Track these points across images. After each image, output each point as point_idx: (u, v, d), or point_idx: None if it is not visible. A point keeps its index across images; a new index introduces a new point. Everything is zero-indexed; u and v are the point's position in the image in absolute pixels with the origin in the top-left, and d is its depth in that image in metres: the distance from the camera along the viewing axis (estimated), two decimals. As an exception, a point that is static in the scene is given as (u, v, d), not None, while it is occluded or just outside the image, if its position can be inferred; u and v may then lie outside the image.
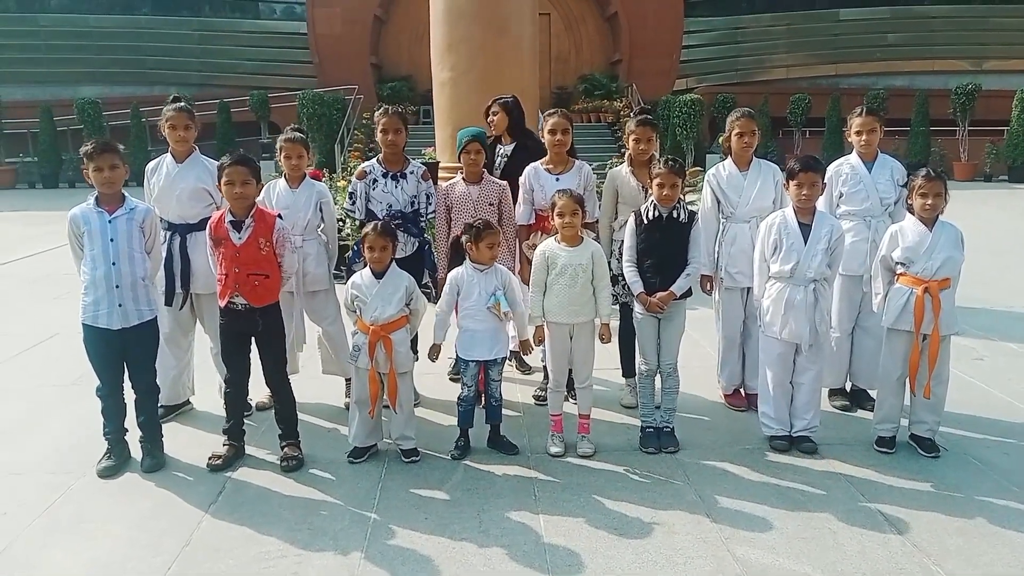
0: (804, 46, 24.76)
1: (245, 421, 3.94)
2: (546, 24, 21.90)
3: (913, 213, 3.67)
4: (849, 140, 4.41)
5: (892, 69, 24.36)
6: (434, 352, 3.83)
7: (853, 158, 4.34)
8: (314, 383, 4.69)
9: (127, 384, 3.75)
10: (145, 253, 3.67)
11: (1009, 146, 18.40)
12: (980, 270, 8.01)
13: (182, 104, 4.15)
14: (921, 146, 19.55)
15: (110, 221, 3.56)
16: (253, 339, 3.77)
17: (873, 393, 4.17)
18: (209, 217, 3.82)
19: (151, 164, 4.23)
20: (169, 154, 4.17)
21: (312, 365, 4.81)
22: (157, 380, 3.83)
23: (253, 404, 4.32)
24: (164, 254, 3.98)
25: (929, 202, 3.58)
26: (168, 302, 4.08)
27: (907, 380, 3.71)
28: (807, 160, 3.71)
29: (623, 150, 5.43)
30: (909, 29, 24.60)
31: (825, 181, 3.93)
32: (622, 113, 21.04)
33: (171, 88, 21.17)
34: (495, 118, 4.95)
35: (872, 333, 4.25)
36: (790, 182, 3.71)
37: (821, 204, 4.23)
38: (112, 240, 3.55)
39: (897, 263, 3.68)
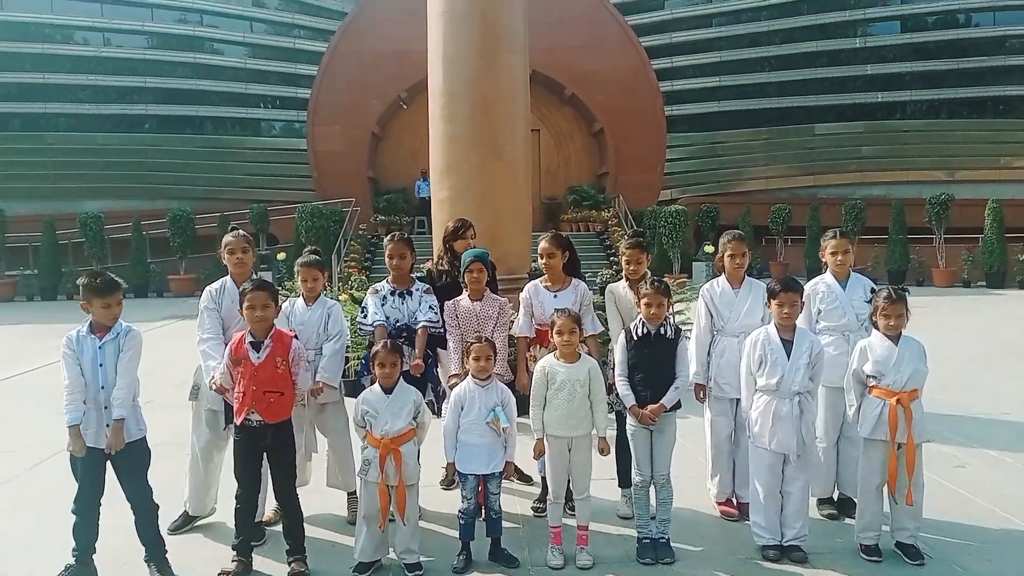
0: (781, 158, 25.96)
1: (254, 547, 4.06)
2: (536, 139, 22.97)
3: (878, 329, 3.96)
4: (824, 260, 4.75)
5: (868, 180, 25.49)
6: (451, 470, 4.05)
7: (828, 277, 4.68)
8: (317, 496, 4.81)
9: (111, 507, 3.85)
10: (128, 372, 3.77)
11: (984, 253, 19.06)
12: (961, 377, 8.29)
13: (241, 232, 4.52)
14: (900, 254, 20.21)
15: (100, 347, 3.77)
16: (265, 455, 3.95)
17: (859, 501, 4.34)
18: None
19: (215, 287, 4.47)
20: (229, 278, 4.45)
21: (314, 479, 4.94)
22: (186, 489, 3.95)
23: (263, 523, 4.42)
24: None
25: (892, 322, 3.89)
26: (229, 420, 4.23)
27: (886, 488, 3.90)
28: (787, 281, 4.03)
29: (613, 261, 5.77)
30: (882, 142, 25.89)
31: (803, 300, 4.24)
32: (610, 223, 21.81)
33: (173, 202, 21.99)
34: (473, 241, 5.39)
35: (856, 443, 4.43)
36: (772, 301, 4.02)
37: (802, 320, 4.54)
38: (101, 365, 3.75)
39: (868, 376, 3.94)
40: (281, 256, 18.45)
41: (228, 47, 25.22)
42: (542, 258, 4.74)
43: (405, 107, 23.06)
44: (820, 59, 26.58)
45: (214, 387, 4.05)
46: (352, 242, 19.80)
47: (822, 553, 4.03)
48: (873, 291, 4.17)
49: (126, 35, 24.64)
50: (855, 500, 4.51)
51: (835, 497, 4.67)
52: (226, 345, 4.08)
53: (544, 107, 22.89)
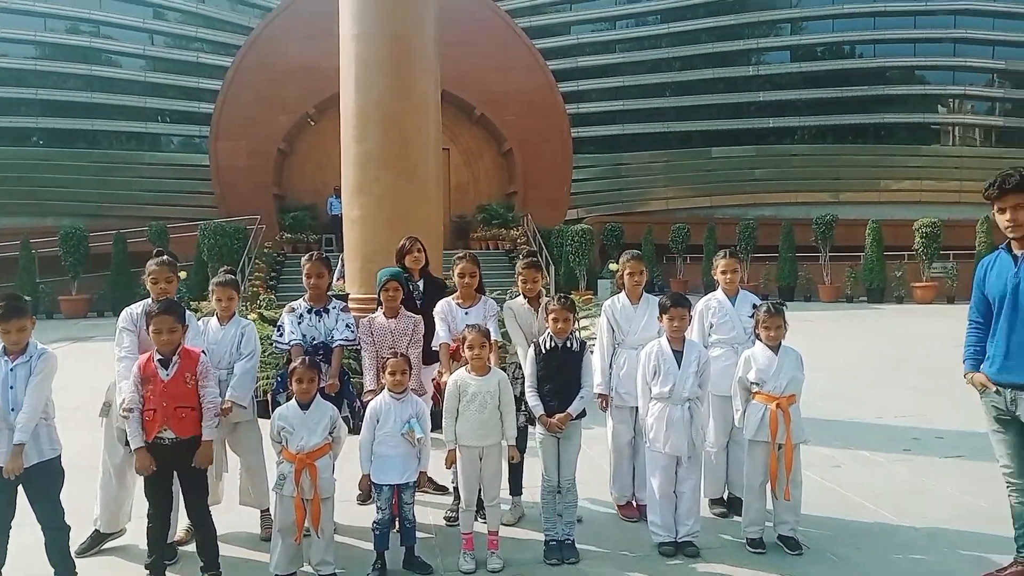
0: (681, 180, 27.12)
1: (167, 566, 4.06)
2: (446, 158, 23.16)
3: (760, 340, 4.37)
4: (715, 278, 5.16)
5: (760, 201, 26.92)
6: (366, 482, 4.18)
7: (719, 294, 5.08)
8: (230, 515, 4.83)
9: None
10: (36, 394, 3.73)
11: (865, 270, 20.45)
12: (841, 386, 8.96)
13: (165, 258, 4.47)
14: (789, 271, 21.44)
15: (11, 369, 3.73)
16: (176, 473, 3.98)
17: (748, 499, 4.72)
18: None
19: (136, 309, 4.38)
20: (151, 300, 4.37)
21: (226, 498, 4.95)
22: (97, 506, 3.92)
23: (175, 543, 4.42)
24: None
25: (771, 333, 4.31)
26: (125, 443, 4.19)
27: (769, 486, 4.29)
28: (676, 297, 4.39)
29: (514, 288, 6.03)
30: (773, 165, 27.42)
31: (692, 314, 4.61)
32: (519, 241, 22.21)
33: (64, 219, 21.01)
34: (419, 255, 5.55)
35: (744, 446, 4.82)
36: (663, 316, 4.36)
37: (695, 334, 4.92)
38: (11, 387, 3.71)
39: (752, 383, 4.34)
40: (182, 275, 17.92)
41: (126, 59, 24.40)
42: (463, 277, 4.97)
43: (313, 123, 22.88)
44: (717, 86, 28.00)
45: (121, 411, 4.03)
46: (257, 260, 19.42)
47: (712, 547, 4.37)
48: (755, 306, 4.57)
49: (15, 45, 23.49)
50: (743, 499, 4.92)
51: (725, 497, 5.05)
52: None
53: (454, 126, 23.17)
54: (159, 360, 3.88)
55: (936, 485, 5.46)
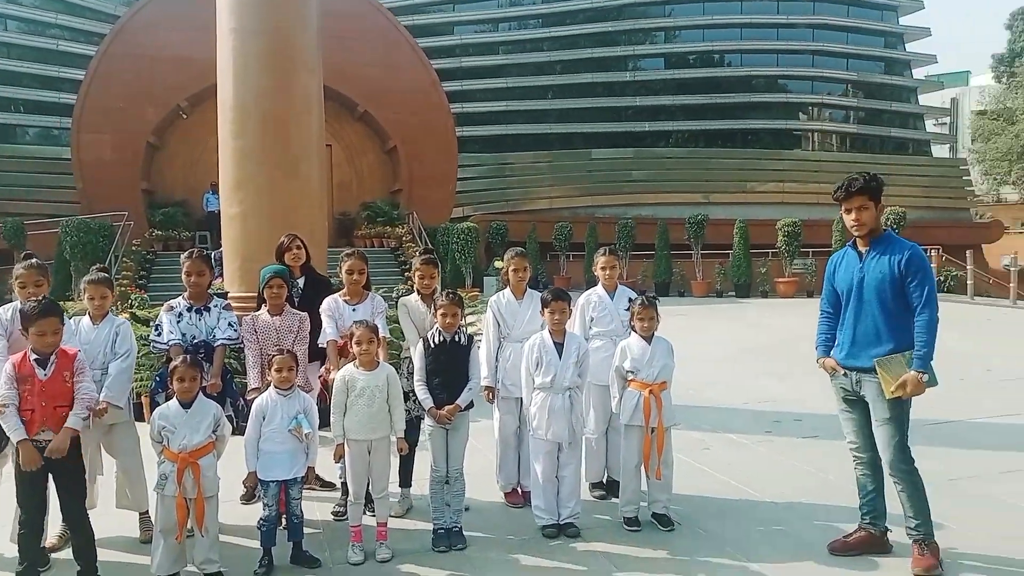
0: (563, 180, 27.82)
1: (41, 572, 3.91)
2: (329, 154, 22.76)
3: (636, 331, 4.65)
4: (596, 273, 5.42)
5: (638, 201, 27.99)
6: (253, 479, 4.15)
7: (599, 289, 5.34)
8: (106, 519, 4.66)
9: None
10: None
11: (733, 267, 21.67)
12: (711, 374, 9.53)
13: (35, 261, 4.31)
14: (665, 268, 22.41)
15: None
16: (50, 476, 3.83)
17: (625, 482, 5.00)
18: None
19: (6, 314, 4.22)
20: (19, 302, 4.18)
21: (102, 502, 4.77)
22: None
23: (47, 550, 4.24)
24: None
25: (645, 324, 4.60)
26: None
27: (643, 467, 4.58)
28: (557, 291, 4.60)
29: (407, 276, 6.12)
30: (649, 167, 28.57)
31: (573, 308, 4.84)
32: (404, 239, 22.14)
33: (-96, 213, 19.17)
34: (299, 252, 5.52)
35: (621, 432, 5.12)
36: (545, 310, 4.57)
37: (576, 327, 5.16)
38: None
39: (627, 371, 4.61)
40: (43, 274, 16.84)
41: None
42: (351, 274, 4.99)
43: (185, 116, 21.92)
44: (597, 89, 28.87)
45: None
46: (125, 259, 18.42)
47: (592, 528, 4.63)
48: (631, 300, 4.86)
49: None
50: (620, 481, 5.20)
51: (604, 480, 5.33)
52: None
53: (336, 122, 22.78)
54: (36, 360, 3.74)
55: (793, 463, 5.95)
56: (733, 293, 21.84)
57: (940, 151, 38.63)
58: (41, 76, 22.68)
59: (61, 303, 4.33)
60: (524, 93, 27.77)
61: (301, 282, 5.58)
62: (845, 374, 4.10)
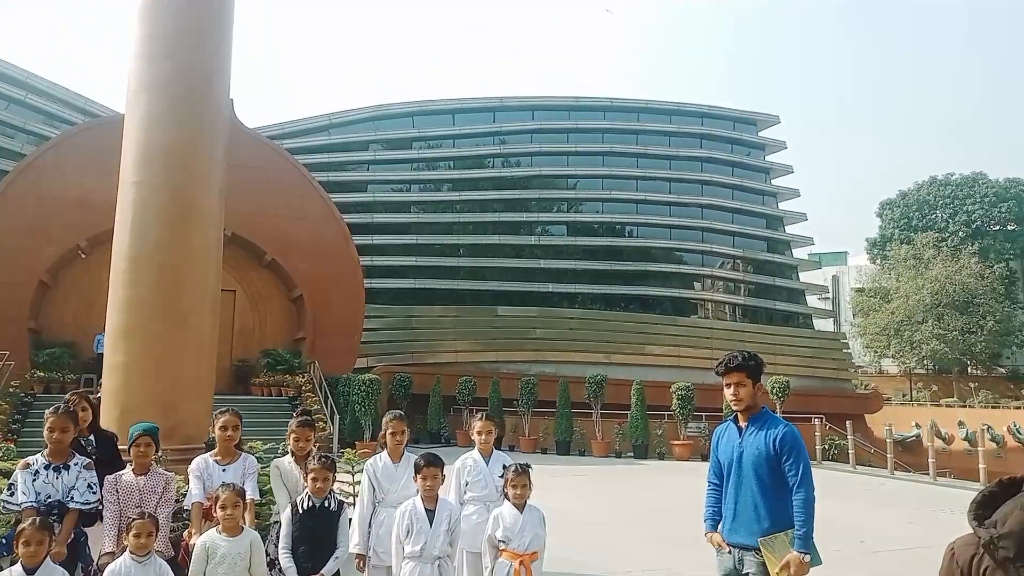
0: (469, 335, 28.23)
1: None
2: (231, 300, 22.51)
3: (508, 499, 4.73)
4: (472, 437, 5.52)
5: (541, 358, 28.57)
6: None
7: (475, 453, 5.44)
8: None
9: None
10: None
11: (631, 428, 22.04)
12: (599, 539, 9.48)
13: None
14: (565, 427, 22.57)
15: None
16: None
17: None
18: None
19: None
20: None
21: None
22: None
23: None
24: None
25: (518, 491, 4.69)
26: None
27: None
28: (429, 456, 4.67)
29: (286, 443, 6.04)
30: (553, 326, 29.41)
31: (444, 474, 4.89)
32: (303, 388, 21.67)
33: None
34: (84, 414, 5.35)
35: (494, 602, 5.06)
36: (417, 475, 4.61)
37: (452, 491, 5.20)
38: None
39: (499, 541, 4.64)
40: None
41: None
42: (225, 430, 4.93)
43: (84, 256, 21.44)
44: (505, 250, 30.08)
45: None
46: (1, 402, 17.28)
47: None
48: (505, 467, 4.97)
49: None
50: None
51: (477, 655, 5.18)
52: None
53: (242, 268, 22.79)
54: None
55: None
56: (631, 454, 22.06)
57: (825, 324, 41.51)
58: (-67, 207, 21.95)
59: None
60: (434, 250, 28.65)
61: (93, 439, 5.41)
62: (729, 551, 4.09)
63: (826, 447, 21.38)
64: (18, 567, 3.77)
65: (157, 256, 7.84)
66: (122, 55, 8.65)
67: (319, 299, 24.03)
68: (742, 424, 4.18)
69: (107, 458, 5.04)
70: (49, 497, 4.48)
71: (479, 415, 5.57)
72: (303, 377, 22.45)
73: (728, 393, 4.18)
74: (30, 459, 4.62)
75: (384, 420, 5.25)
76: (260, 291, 24.43)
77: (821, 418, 21.31)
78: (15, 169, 21.82)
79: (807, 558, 3.82)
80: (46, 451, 4.63)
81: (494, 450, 5.48)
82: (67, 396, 5.41)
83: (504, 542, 4.64)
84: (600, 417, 22.71)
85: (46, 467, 4.55)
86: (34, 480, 4.51)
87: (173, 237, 7.89)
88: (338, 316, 24.16)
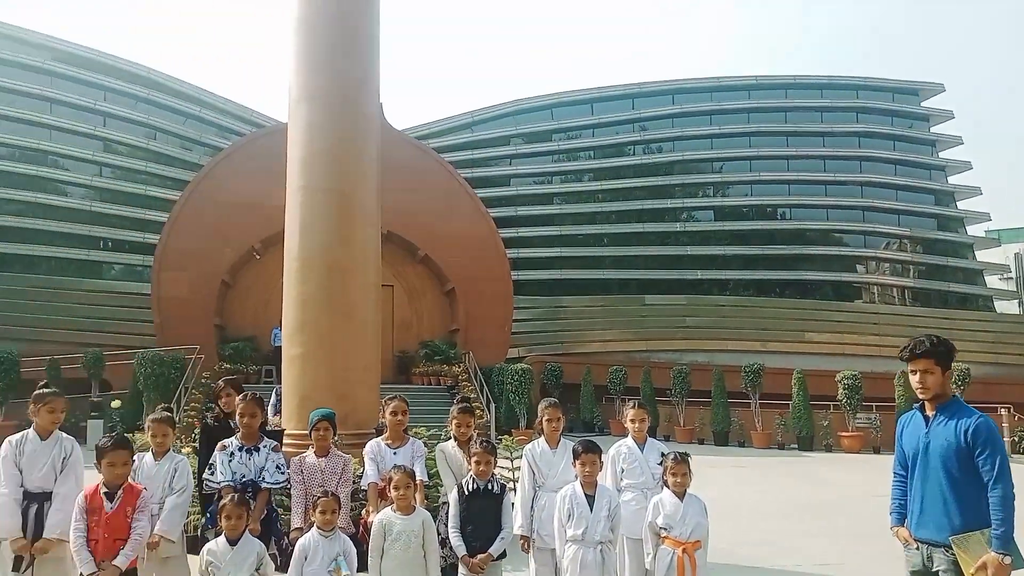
0: (617, 324, 28.06)
1: None
2: (390, 295, 23.70)
3: (668, 487, 4.71)
4: (625, 425, 5.54)
5: (693, 346, 27.91)
6: None
7: (629, 441, 5.46)
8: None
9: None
10: None
11: (794, 419, 21.08)
12: (765, 533, 9.21)
13: (56, 390, 4.75)
14: (722, 417, 21.94)
15: None
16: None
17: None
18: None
19: (16, 437, 4.58)
20: (32, 429, 4.59)
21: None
22: None
23: None
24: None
25: (678, 479, 4.67)
26: (16, 568, 4.26)
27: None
28: (587, 443, 4.74)
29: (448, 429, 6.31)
30: (704, 314, 28.66)
31: (603, 460, 4.94)
32: (460, 378, 22.47)
33: (-2, 343, 20.50)
34: (228, 400, 5.79)
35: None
36: (576, 461, 4.69)
37: (608, 478, 5.24)
38: None
39: (660, 528, 4.64)
40: (116, 404, 17.55)
41: (73, 189, 24.71)
42: (395, 415, 5.27)
43: (259, 257, 23.28)
44: (650, 238, 29.63)
45: (14, 547, 4.27)
46: (194, 391, 19.15)
47: None
48: (663, 454, 4.95)
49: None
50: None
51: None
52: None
53: (398, 264, 23.87)
54: (105, 492, 4.05)
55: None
56: (795, 445, 21.13)
57: (1008, 306, 37.79)
58: (130, 218, 24.58)
59: (131, 434, 4.75)
60: (578, 240, 28.69)
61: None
62: (917, 547, 3.84)
63: (1016, 439, 19.52)
64: (222, 538, 4.21)
65: (324, 255, 8.39)
66: (279, 68, 9.30)
67: (470, 292, 24.81)
68: (929, 413, 3.91)
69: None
70: (244, 476, 4.97)
71: (631, 403, 5.58)
72: (459, 367, 23.28)
73: (914, 380, 3.93)
74: (226, 441, 5.13)
75: (540, 407, 5.37)
76: (415, 286, 25.55)
77: (1008, 408, 19.49)
78: (195, 179, 24.02)
79: (1007, 560, 3.53)
80: (238, 435, 5.12)
81: (648, 438, 5.47)
82: (219, 382, 5.94)
83: (665, 529, 4.63)
84: (759, 407, 21.93)
85: (240, 449, 5.05)
86: (230, 461, 5.00)
87: (337, 237, 8.42)
88: (489, 308, 24.82)
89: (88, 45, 25.51)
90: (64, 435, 4.63)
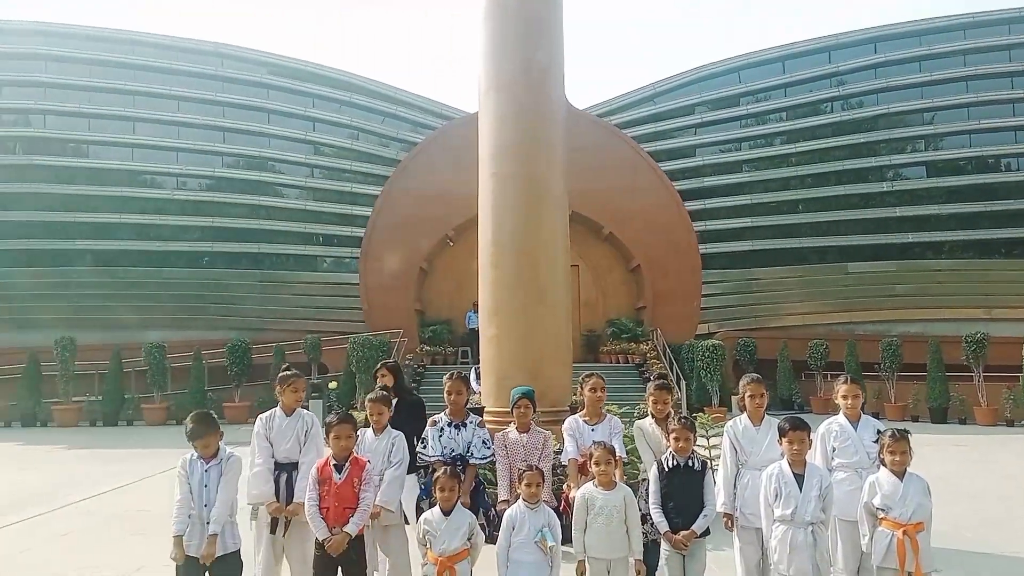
0: (817, 295, 26.45)
1: None
2: (575, 274, 23.98)
3: (885, 466, 4.43)
4: (836, 402, 5.27)
5: (904, 317, 25.71)
6: None
7: (841, 418, 5.19)
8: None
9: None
10: (226, 491, 4.46)
11: (1025, 392, 18.95)
12: (993, 514, 8.41)
13: (297, 372, 5.28)
14: (940, 391, 20.14)
15: (206, 470, 4.50)
16: (340, 568, 4.49)
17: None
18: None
19: (266, 414, 5.20)
20: (279, 408, 5.18)
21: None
22: None
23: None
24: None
25: (896, 458, 4.37)
26: (273, 530, 4.85)
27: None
28: (795, 420, 4.56)
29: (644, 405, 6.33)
30: (915, 280, 26.26)
31: (813, 437, 4.74)
32: (648, 355, 22.33)
33: (232, 332, 23.15)
34: (383, 378, 6.05)
35: (874, 573, 4.79)
36: (782, 439, 4.54)
37: (818, 457, 5.03)
38: (206, 486, 4.46)
39: (878, 509, 4.38)
40: (332, 385, 19.31)
41: (289, 190, 27.18)
42: (594, 392, 5.40)
43: (452, 244, 24.48)
44: (852, 201, 27.53)
45: (270, 510, 4.82)
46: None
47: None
48: (879, 432, 4.66)
49: (197, 179, 26.76)
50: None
51: (858, 624, 4.96)
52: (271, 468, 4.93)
53: (583, 244, 24.04)
54: (334, 464, 4.52)
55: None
56: (1027, 422, 19.02)
57: None
58: (338, 214, 26.65)
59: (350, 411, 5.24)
60: (770, 208, 27.28)
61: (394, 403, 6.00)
62: None
63: None
64: (436, 509, 4.53)
65: (515, 240, 8.68)
66: (464, 61, 9.65)
67: (656, 268, 24.53)
68: None
69: (408, 421, 5.63)
70: (452, 451, 5.32)
71: (842, 378, 5.29)
72: (647, 344, 23.14)
73: None
74: (436, 417, 5.51)
75: (741, 383, 5.25)
76: (601, 264, 25.66)
77: None
78: (393, 173, 25.67)
79: None
80: (446, 411, 5.48)
81: (862, 415, 5.17)
82: (378, 365, 6.31)
83: (883, 510, 4.37)
84: (983, 380, 19.89)
85: (448, 424, 5.40)
86: (440, 436, 5.37)
87: (528, 222, 8.69)
88: (676, 283, 24.45)
89: (298, 56, 27.89)
90: (305, 411, 5.19)
